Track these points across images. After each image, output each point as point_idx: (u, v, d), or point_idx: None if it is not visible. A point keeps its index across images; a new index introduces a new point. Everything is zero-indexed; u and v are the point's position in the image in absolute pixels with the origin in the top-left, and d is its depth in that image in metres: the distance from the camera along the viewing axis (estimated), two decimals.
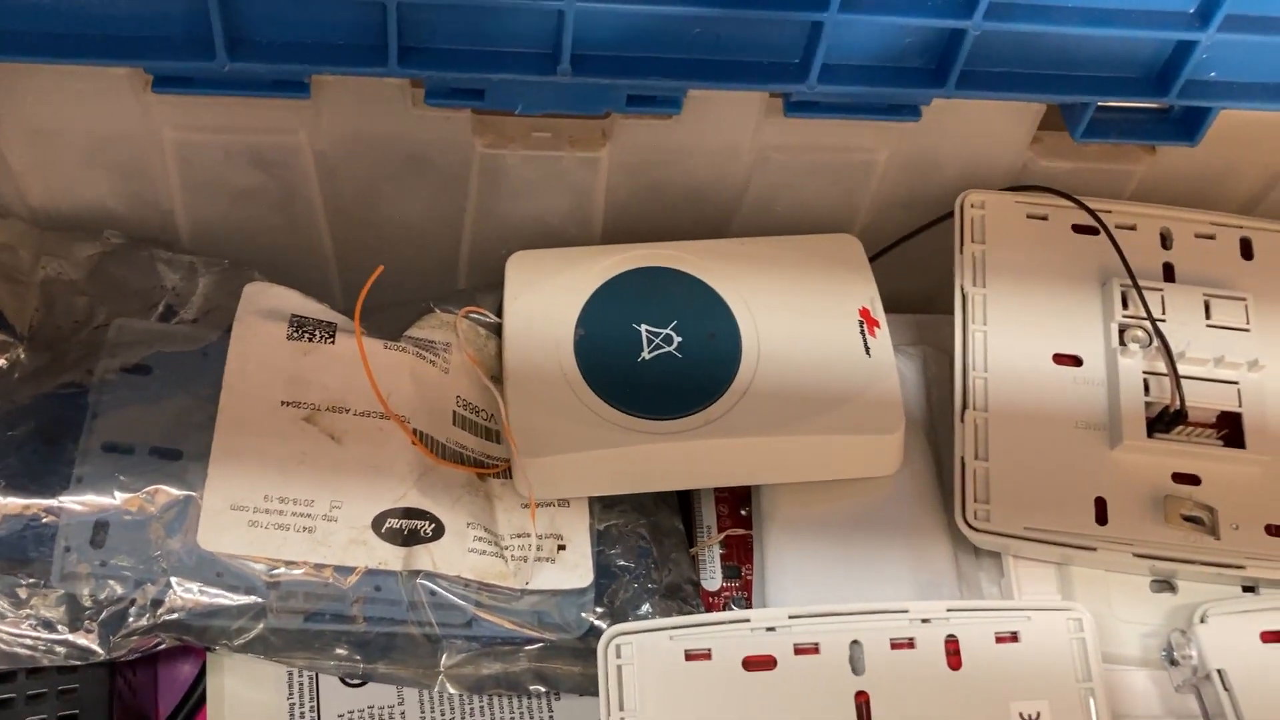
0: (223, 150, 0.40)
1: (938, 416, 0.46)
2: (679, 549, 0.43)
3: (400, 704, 0.40)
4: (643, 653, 0.36)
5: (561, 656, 0.40)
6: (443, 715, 0.40)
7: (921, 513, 0.43)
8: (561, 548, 0.41)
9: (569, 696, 0.41)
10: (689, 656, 0.36)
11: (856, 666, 0.37)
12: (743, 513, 0.46)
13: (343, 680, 0.40)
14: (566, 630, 0.40)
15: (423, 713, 0.40)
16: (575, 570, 0.41)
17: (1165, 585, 0.42)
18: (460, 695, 0.40)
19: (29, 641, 0.35)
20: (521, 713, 0.41)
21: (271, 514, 0.36)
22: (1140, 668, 0.40)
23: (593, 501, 0.42)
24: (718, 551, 0.46)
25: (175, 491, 0.36)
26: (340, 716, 0.39)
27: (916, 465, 0.44)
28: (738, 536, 0.45)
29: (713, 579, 0.45)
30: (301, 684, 0.40)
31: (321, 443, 0.38)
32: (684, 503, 0.47)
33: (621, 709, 0.36)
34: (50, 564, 0.36)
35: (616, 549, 0.42)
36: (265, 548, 0.36)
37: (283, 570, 0.36)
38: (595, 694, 0.40)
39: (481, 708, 0.40)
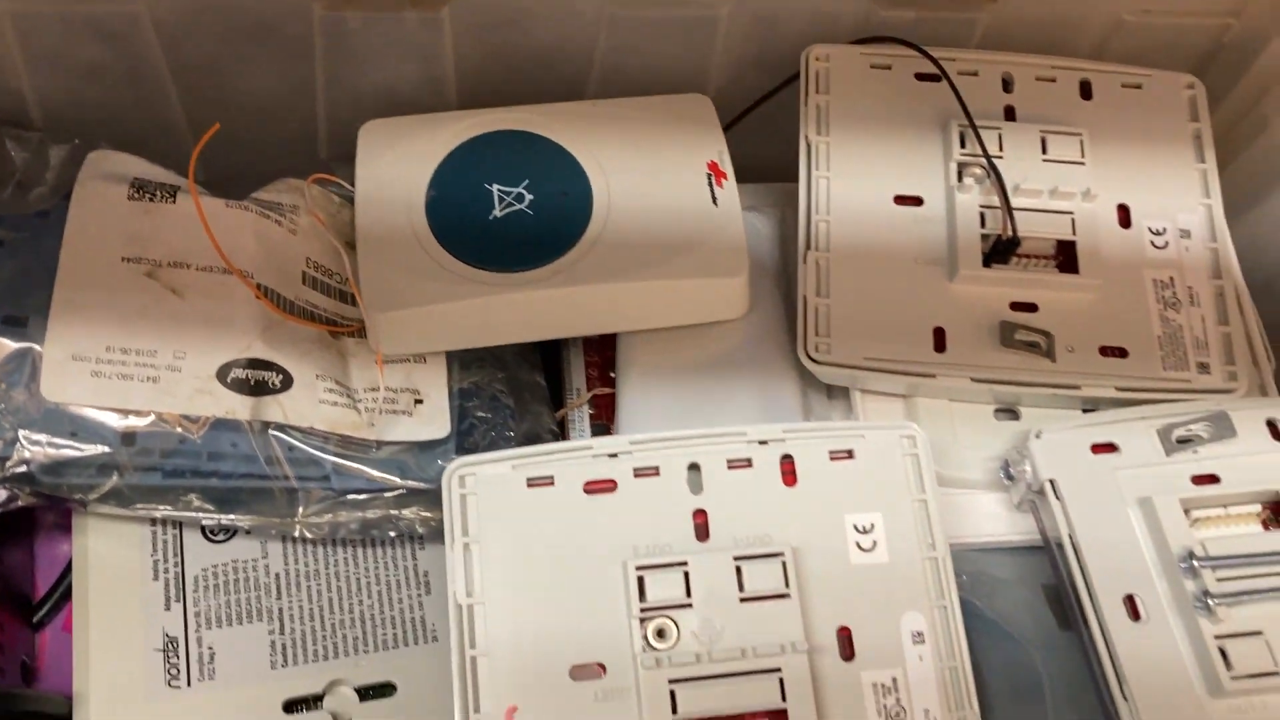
0: (61, 21, 0.41)
1: (791, 269, 0.47)
2: (539, 402, 0.44)
3: (264, 557, 0.41)
4: (485, 482, 0.37)
5: (420, 503, 0.41)
6: (307, 566, 0.41)
7: (772, 358, 0.44)
8: (419, 401, 0.42)
9: (432, 544, 0.42)
10: (531, 484, 0.37)
11: (694, 487, 0.38)
12: (611, 374, 0.47)
13: (206, 536, 0.41)
14: (425, 479, 0.40)
15: (286, 564, 0.41)
16: (432, 423, 0.42)
17: (1008, 413, 0.43)
18: (325, 546, 0.41)
19: None
20: (386, 562, 0.42)
21: (114, 364, 0.37)
22: (986, 491, 0.42)
23: (452, 361, 0.43)
24: (587, 411, 0.47)
25: (14, 344, 0.37)
26: (204, 570, 0.40)
27: (768, 314, 0.45)
28: (605, 396, 0.47)
29: (582, 437, 0.46)
30: (165, 541, 0.41)
31: (163, 297, 0.38)
32: (555, 367, 0.48)
33: (466, 535, 0.37)
34: None
35: (474, 402, 0.43)
36: (110, 398, 0.37)
37: (131, 420, 0.37)
38: None
39: (346, 558, 0.41)
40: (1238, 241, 0.45)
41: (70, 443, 0.37)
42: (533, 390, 0.44)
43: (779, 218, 0.49)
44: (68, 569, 0.43)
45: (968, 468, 0.42)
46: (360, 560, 0.42)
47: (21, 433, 0.37)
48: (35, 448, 0.37)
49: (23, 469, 0.37)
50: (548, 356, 0.48)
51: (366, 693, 0.39)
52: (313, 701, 0.39)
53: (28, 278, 0.38)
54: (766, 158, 0.47)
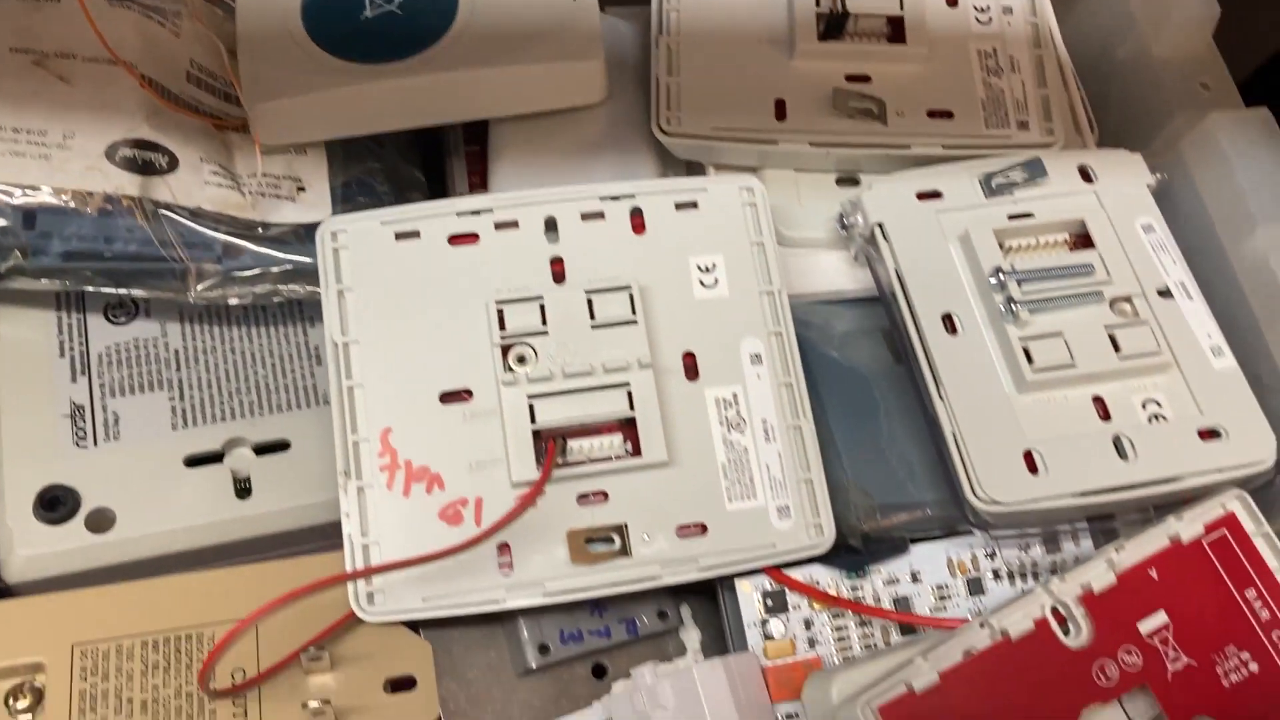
0: None
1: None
2: (418, 193, 0.48)
3: (164, 336, 0.44)
4: (356, 237, 0.41)
5: (304, 280, 0.44)
6: (204, 343, 0.44)
7: (632, 143, 0.47)
8: (301, 189, 0.45)
9: (321, 322, 0.45)
10: (399, 237, 0.41)
11: (551, 238, 0.41)
12: None
13: (108, 319, 0.44)
14: (309, 256, 0.44)
15: (184, 341, 0.44)
16: (314, 208, 0.45)
17: (850, 181, 0.47)
18: (221, 325, 0.44)
19: None
20: (280, 338, 0.45)
21: (6, 142, 0.40)
22: (830, 250, 0.46)
23: (334, 154, 0.46)
24: None
25: None
26: (107, 348, 0.43)
27: (630, 106, 0.49)
28: None
29: None
30: (70, 324, 0.44)
31: (51, 83, 0.41)
32: (440, 173, 0.51)
33: (340, 283, 0.40)
34: None
35: (355, 190, 0.46)
36: (4, 173, 0.40)
37: (27, 197, 0.40)
38: None
39: (241, 335, 0.45)
40: (1074, 27, 0.49)
41: None
42: (412, 183, 0.48)
43: (636, 25, 0.52)
44: None
45: (813, 228, 0.45)
46: (255, 337, 0.45)
47: None
48: None
49: None
50: (434, 167, 0.51)
51: (262, 449, 0.43)
52: (213, 459, 0.43)
53: None
54: None
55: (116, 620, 0.37)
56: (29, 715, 0.36)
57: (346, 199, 0.46)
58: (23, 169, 0.40)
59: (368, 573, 0.36)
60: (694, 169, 0.47)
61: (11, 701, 0.36)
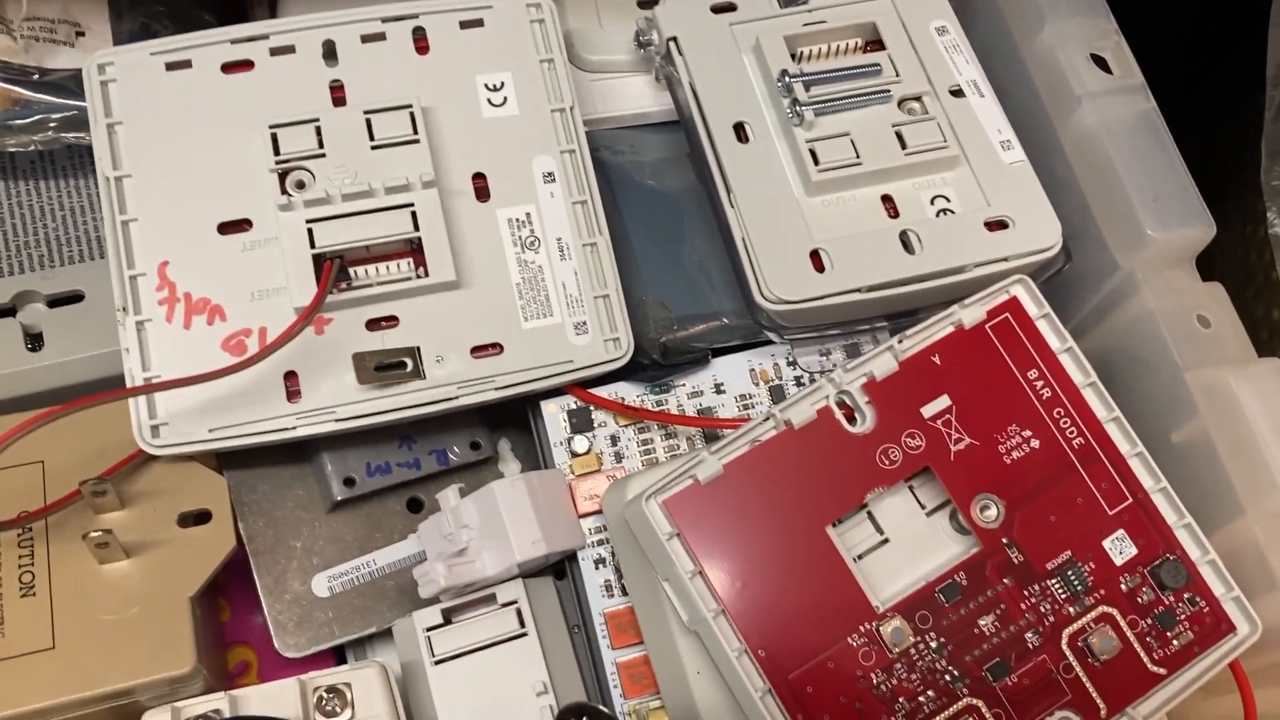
0: None
1: None
2: None
3: None
4: (126, 69, 0.39)
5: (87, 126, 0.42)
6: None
7: None
8: (80, 34, 0.43)
9: None
10: (170, 68, 0.39)
11: (330, 62, 0.40)
12: None
13: None
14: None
15: None
16: (95, 53, 0.43)
17: (650, 2, 0.46)
18: (5, 180, 0.43)
19: None
20: (69, 192, 0.43)
21: None
22: (633, 74, 0.45)
23: (110, 4, 0.45)
24: None
25: None
26: None
27: None
28: None
29: None
30: None
31: None
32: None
33: (109, 116, 0.39)
34: None
35: (140, 33, 0.44)
36: None
37: None
38: None
39: (27, 189, 0.43)
40: None
41: None
42: (201, 25, 0.46)
43: None
44: None
45: (615, 51, 0.45)
46: (43, 191, 0.43)
47: None
48: None
49: None
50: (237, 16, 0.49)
51: (55, 302, 0.42)
52: (5, 313, 0.41)
53: None
54: None
55: None
56: None
57: (136, 39, 0.44)
58: None
59: (142, 390, 0.36)
60: None
61: None
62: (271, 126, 0.38)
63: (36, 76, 0.42)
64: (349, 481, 0.40)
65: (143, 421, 0.37)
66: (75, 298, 0.42)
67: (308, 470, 0.41)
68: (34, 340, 0.41)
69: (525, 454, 0.43)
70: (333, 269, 0.37)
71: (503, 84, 0.41)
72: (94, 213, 0.43)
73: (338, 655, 0.41)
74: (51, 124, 0.42)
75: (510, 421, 0.43)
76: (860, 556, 0.35)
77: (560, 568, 0.40)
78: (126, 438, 0.37)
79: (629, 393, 0.40)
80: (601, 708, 0.30)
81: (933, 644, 0.34)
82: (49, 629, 0.35)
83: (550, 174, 0.40)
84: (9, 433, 0.34)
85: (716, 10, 0.43)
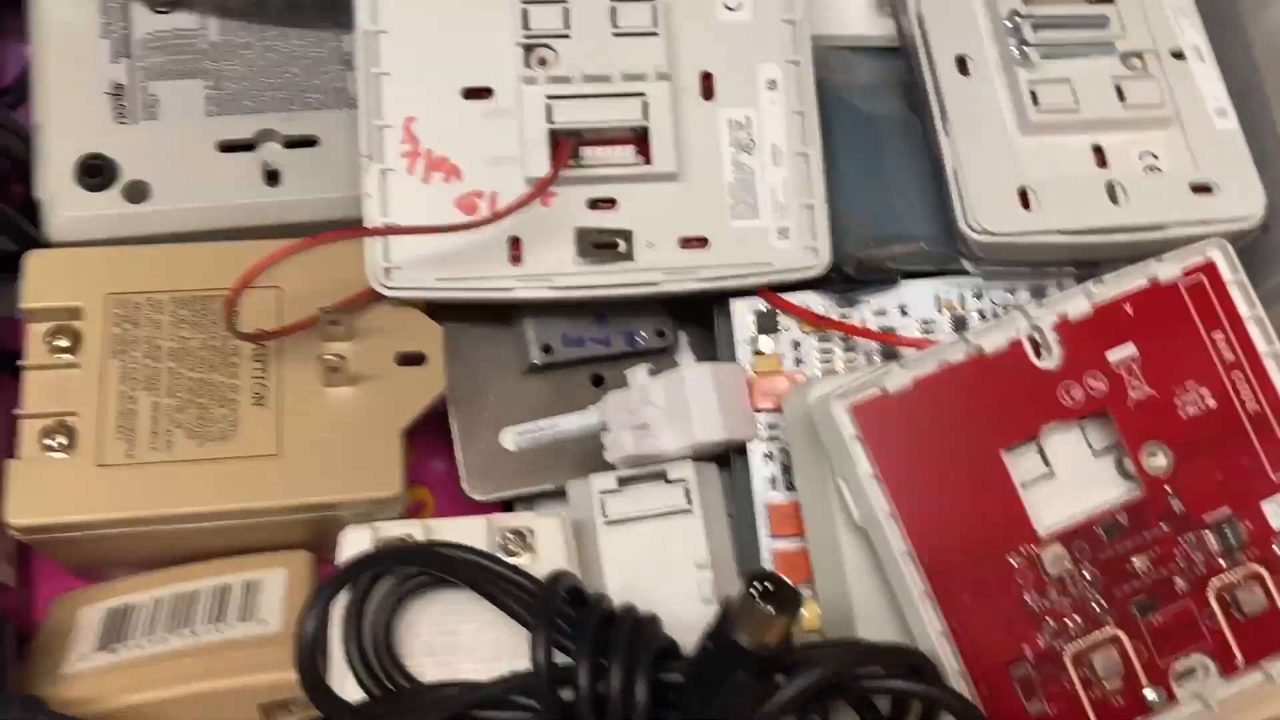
0: None
1: None
2: None
3: (203, 29, 0.45)
4: None
5: None
6: (241, 39, 0.46)
7: None
8: None
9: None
10: None
11: None
12: None
13: (152, 9, 0.45)
14: None
15: (223, 35, 0.45)
16: None
17: None
18: (256, 23, 0.46)
19: None
20: (314, 41, 0.46)
21: None
22: None
23: None
24: None
25: None
26: (148, 34, 0.45)
27: None
28: None
29: None
30: (114, 8, 0.45)
31: None
32: None
33: None
34: None
35: None
36: None
37: None
38: None
39: (276, 35, 0.46)
40: None
41: None
42: None
43: None
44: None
45: None
46: (289, 38, 0.46)
47: None
48: None
49: None
50: None
51: (292, 143, 0.45)
52: (245, 147, 0.44)
53: None
54: None
55: (150, 276, 0.40)
56: (68, 355, 0.39)
57: None
58: None
59: (379, 232, 0.39)
60: None
61: (51, 340, 0.39)
62: (523, 2, 0.40)
63: None
64: (547, 348, 0.42)
65: (377, 263, 0.39)
66: (310, 142, 0.45)
67: (506, 332, 0.44)
68: (271, 177, 0.44)
69: (699, 348, 0.45)
70: (569, 146, 0.39)
71: None
72: (334, 65, 0.46)
73: (503, 509, 0.44)
74: None
75: (690, 316, 0.45)
76: (1025, 484, 0.38)
77: (724, 457, 0.43)
78: (357, 276, 0.40)
79: (815, 302, 0.42)
80: (786, 579, 0.33)
81: (1086, 575, 0.36)
82: (275, 438, 0.38)
83: (773, 81, 0.42)
84: (265, 260, 0.37)
85: None
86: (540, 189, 0.38)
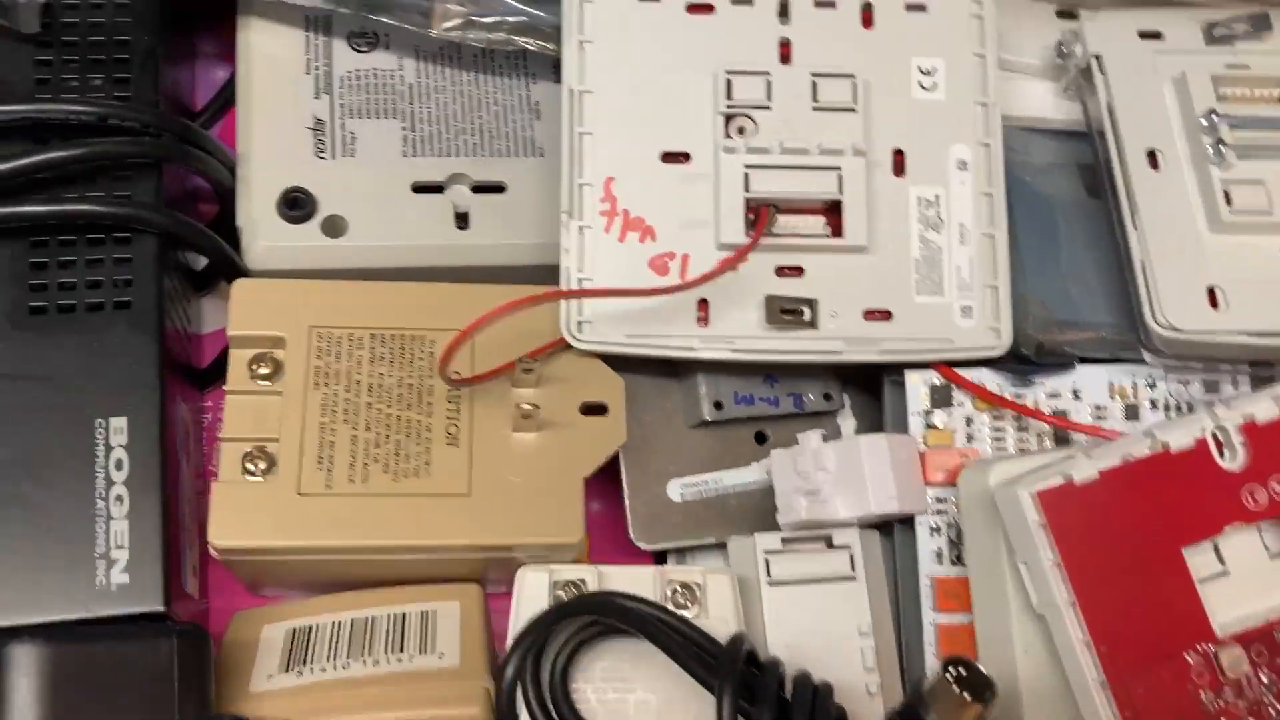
0: None
1: None
2: None
3: (400, 69, 0.47)
4: None
5: (538, 32, 0.46)
6: (435, 82, 0.47)
7: None
8: None
9: (543, 79, 0.48)
10: None
11: (782, 19, 0.43)
12: None
13: (351, 46, 0.47)
14: (547, 11, 0.46)
15: (418, 78, 0.47)
16: None
17: (1069, 16, 0.48)
18: (451, 68, 0.47)
19: None
20: (504, 88, 0.47)
21: None
22: (1039, 79, 0.47)
23: None
24: None
25: None
26: (348, 73, 0.46)
27: None
28: None
29: None
30: (317, 45, 0.47)
31: None
32: None
33: (582, 34, 0.42)
34: None
35: None
36: None
37: None
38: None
39: (469, 79, 0.47)
40: None
41: None
42: None
43: None
44: (222, 88, 0.50)
45: (1026, 53, 0.46)
46: (481, 84, 0.48)
47: None
48: None
49: None
50: None
51: (479, 188, 0.46)
52: (435, 189, 0.46)
53: None
54: None
55: (351, 312, 0.41)
56: (268, 382, 0.40)
57: None
58: None
59: (585, 294, 0.40)
60: None
61: (254, 367, 0.40)
62: (728, 72, 0.42)
63: None
64: (718, 405, 0.43)
65: (571, 316, 0.41)
66: (498, 188, 0.46)
67: (676, 385, 0.45)
68: (460, 219, 0.45)
69: (861, 412, 0.46)
70: (769, 216, 0.40)
71: (935, 69, 0.43)
72: (522, 112, 0.47)
73: (656, 559, 0.45)
74: (507, 26, 0.46)
75: (855, 379, 0.46)
76: (1201, 581, 0.38)
77: (885, 525, 0.43)
78: (546, 325, 0.41)
79: (990, 380, 0.43)
80: (981, 666, 0.34)
81: (1263, 678, 0.36)
82: (465, 478, 0.39)
83: (964, 162, 0.43)
84: (494, 312, 0.38)
85: (1143, 36, 0.44)
86: (737, 259, 0.39)
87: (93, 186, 0.41)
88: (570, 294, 0.39)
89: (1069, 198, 0.46)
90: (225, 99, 0.50)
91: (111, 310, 0.39)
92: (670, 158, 0.42)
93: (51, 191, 0.40)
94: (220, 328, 0.46)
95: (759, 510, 0.44)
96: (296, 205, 0.44)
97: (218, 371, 0.45)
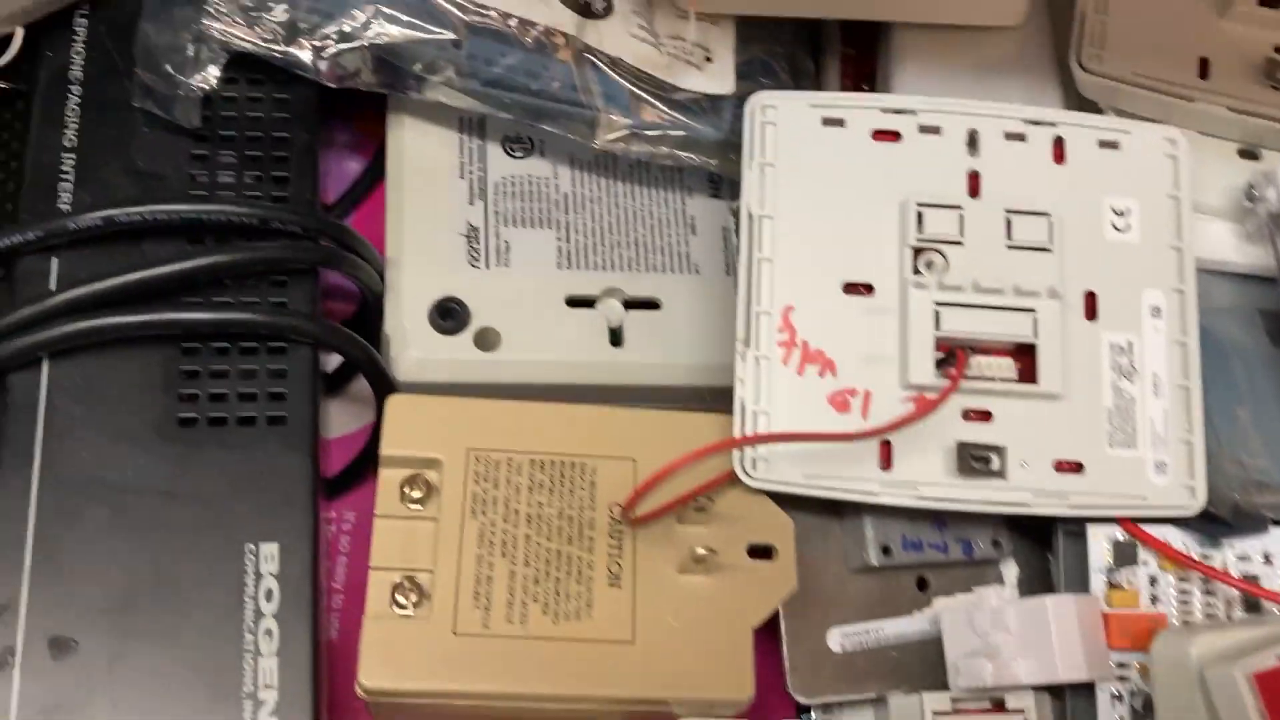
0: None
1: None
2: (809, 85, 0.48)
3: (555, 177, 0.45)
4: (785, 115, 0.41)
5: (698, 148, 0.44)
6: (590, 192, 0.45)
7: (1038, 69, 0.47)
8: (708, 59, 0.46)
9: (699, 194, 0.46)
10: (825, 123, 0.41)
11: (971, 150, 0.41)
12: (863, 86, 0.50)
13: (505, 150, 0.45)
14: (709, 125, 0.44)
15: (573, 187, 0.45)
16: (719, 79, 0.45)
17: (1249, 155, 0.46)
18: (606, 178, 0.45)
19: (255, 44, 0.41)
20: (659, 201, 0.46)
21: None
22: (1219, 219, 0.45)
23: (740, 31, 0.46)
24: None
25: None
26: (503, 178, 0.45)
27: (1037, 30, 0.48)
28: None
29: None
30: (471, 148, 0.45)
31: None
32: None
33: (763, 156, 0.41)
34: None
35: (755, 70, 0.46)
36: None
37: (475, 15, 0.41)
38: (722, 197, 0.46)
39: (625, 191, 0.45)
40: None
41: (419, 21, 0.41)
42: (805, 71, 0.48)
43: None
44: (357, 181, 0.48)
45: (1209, 194, 0.44)
46: (637, 195, 0.46)
47: (381, 7, 0.41)
48: (391, 22, 0.41)
49: (379, 41, 0.41)
50: None
51: (632, 304, 0.44)
52: (588, 303, 0.44)
53: None
54: None
55: (509, 434, 0.39)
56: (420, 506, 0.38)
57: (747, 76, 0.46)
58: None
59: (769, 439, 0.38)
60: (1085, 105, 0.47)
61: (406, 490, 0.38)
62: (919, 204, 0.40)
63: (668, 92, 0.44)
64: (886, 550, 0.41)
65: (746, 453, 0.38)
66: (653, 304, 0.44)
67: (836, 526, 0.42)
68: (614, 336, 0.43)
69: (1024, 559, 0.43)
70: (965, 359, 0.38)
71: (1128, 210, 0.41)
72: (678, 226, 0.45)
73: (798, 710, 0.42)
74: (670, 139, 0.44)
75: (1013, 523, 0.44)
76: None
77: (1058, 688, 0.41)
78: (714, 457, 0.39)
79: (1175, 538, 0.40)
80: None
81: None
82: (629, 623, 0.37)
83: (1157, 308, 0.40)
84: (675, 466, 0.36)
85: None
86: (936, 405, 0.37)
87: (246, 289, 0.39)
88: (755, 440, 0.37)
89: (1250, 345, 0.43)
90: (360, 193, 0.49)
91: (265, 425, 0.37)
92: (852, 289, 0.40)
93: (205, 293, 0.38)
94: (349, 431, 0.45)
95: (921, 663, 0.41)
96: (449, 315, 0.42)
97: (346, 480, 0.43)
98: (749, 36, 0.47)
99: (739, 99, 0.45)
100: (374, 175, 0.48)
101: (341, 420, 0.45)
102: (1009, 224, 0.40)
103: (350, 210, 0.48)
